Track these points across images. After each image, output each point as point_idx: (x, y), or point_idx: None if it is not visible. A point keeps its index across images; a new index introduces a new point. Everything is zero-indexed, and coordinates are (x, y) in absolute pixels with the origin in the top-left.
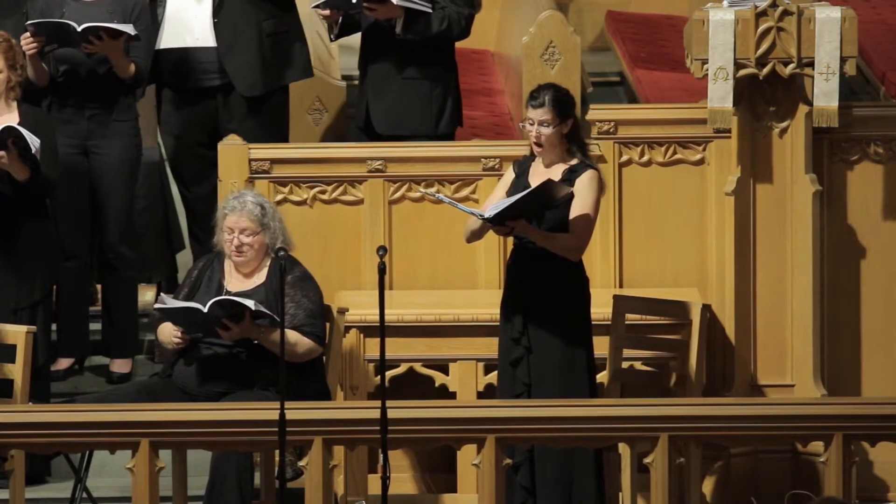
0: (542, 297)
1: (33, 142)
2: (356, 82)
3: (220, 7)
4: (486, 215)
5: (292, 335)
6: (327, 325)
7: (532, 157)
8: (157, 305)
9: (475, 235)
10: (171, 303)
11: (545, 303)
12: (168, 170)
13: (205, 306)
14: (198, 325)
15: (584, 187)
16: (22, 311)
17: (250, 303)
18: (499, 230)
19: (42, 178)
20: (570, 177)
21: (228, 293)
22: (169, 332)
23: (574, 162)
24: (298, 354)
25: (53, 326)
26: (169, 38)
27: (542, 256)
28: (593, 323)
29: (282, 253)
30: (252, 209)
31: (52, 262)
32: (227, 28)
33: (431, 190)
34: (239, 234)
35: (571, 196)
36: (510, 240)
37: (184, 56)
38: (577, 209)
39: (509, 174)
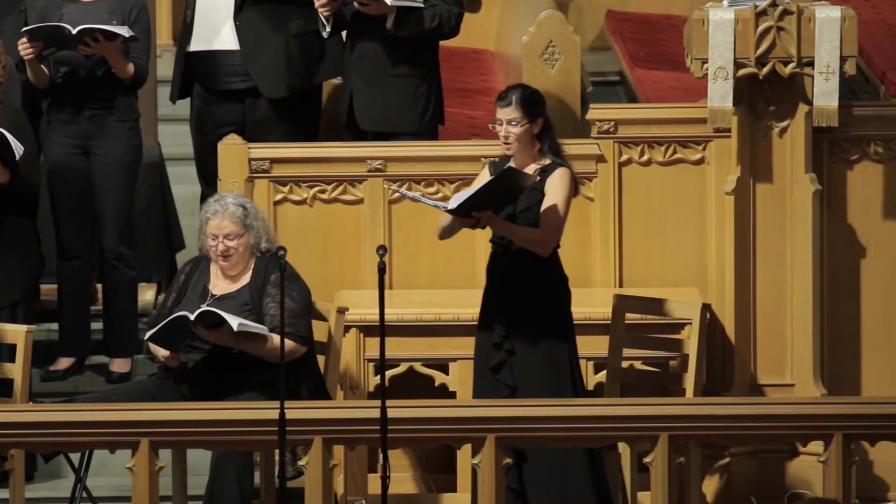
0: (521, 299)
1: (17, 148)
2: (341, 80)
3: (241, 9)
4: (449, 207)
5: (273, 338)
6: (327, 324)
7: (507, 158)
8: (147, 336)
9: (447, 231)
10: (153, 331)
11: (524, 304)
12: (168, 169)
13: (192, 314)
14: (187, 334)
15: (554, 184)
16: (1, 311)
17: (234, 323)
18: (465, 222)
19: (22, 181)
20: (542, 176)
21: (213, 297)
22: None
23: (546, 162)
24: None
25: (52, 325)
26: (197, 40)
27: (516, 256)
28: (594, 323)
29: (281, 252)
30: (234, 211)
31: (33, 263)
32: (250, 30)
33: (395, 186)
34: (223, 238)
35: (538, 188)
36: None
37: (211, 59)
38: (546, 204)
39: (484, 175)
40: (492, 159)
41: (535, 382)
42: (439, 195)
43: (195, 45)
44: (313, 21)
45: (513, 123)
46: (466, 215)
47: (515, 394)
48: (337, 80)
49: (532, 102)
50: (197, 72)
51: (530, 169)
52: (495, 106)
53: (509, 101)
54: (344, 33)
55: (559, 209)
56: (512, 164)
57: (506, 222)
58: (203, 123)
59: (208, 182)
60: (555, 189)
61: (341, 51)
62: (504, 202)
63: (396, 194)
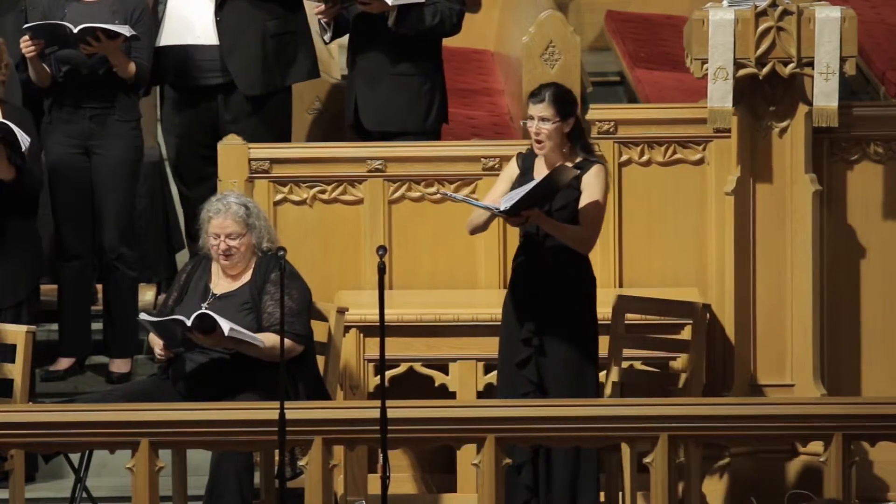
0: (554, 297)
1: (24, 139)
2: (346, 80)
3: (223, 6)
4: (502, 208)
5: (270, 338)
6: (327, 325)
7: (536, 153)
8: (141, 317)
9: (479, 228)
10: (151, 318)
11: (557, 302)
12: (168, 169)
13: (188, 318)
14: (179, 339)
15: (591, 181)
16: (6, 311)
17: (226, 327)
18: (513, 221)
19: (29, 178)
20: (577, 174)
21: (214, 296)
22: (156, 345)
23: (578, 159)
24: (277, 355)
25: (52, 326)
26: (169, 35)
27: (552, 252)
28: None
29: (281, 253)
30: (237, 210)
31: (36, 262)
32: (230, 27)
33: (443, 189)
34: (225, 237)
35: (575, 185)
36: (511, 238)
37: (184, 54)
38: (585, 202)
39: (513, 168)
40: (519, 151)
41: (561, 381)
42: (438, 195)
43: (167, 40)
44: (290, 23)
45: (545, 121)
46: (515, 214)
47: (539, 390)
48: (335, 80)
49: (565, 101)
50: (167, 67)
51: None
52: (527, 102)
53: (542, 97)
54: (326, 36)
55: (599, 205)
56: (542, 161)
57: (553, 220)
58: (175, 125)
59: (185, 183)
60: (592, 186)
61: (314, 56)
62: (546, 199)
63: (441, 194)
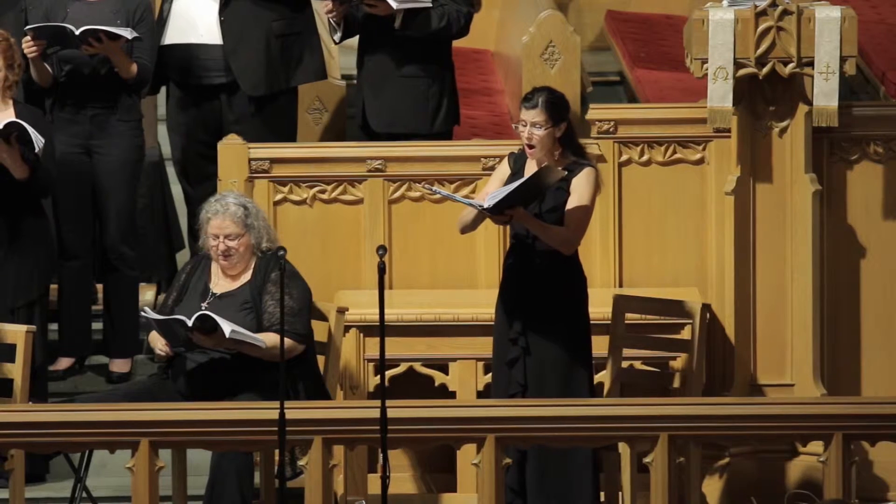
0: (542, 297)
1: (38, 140)
2: (356, 82)
3: (227, 5)
4: (486, 205)
5: (270, 338)
6: (327, 324)
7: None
8: (143, 315)
9: (469, 227)
10: (155, 315)
11: (544, 302)
12: (167, 169)
13: (189, 318)
14: (180, 338)
15: (580, 184)
16: (19, 310)
17: (227, 329)
18: (497, 219)
19: (42, 178)
20: (567, 176)
21: (214, 295)
22: (157, 342)
23: (569, 161)
24: (278, 355)
25: (53, 326)
26: (174, 33)
27: (540, 254)
28: (593, 323)
29: (281, 253)
30: (235, 211)
31: (49, 261)
32: (234, 27)
33: (426, 185)
34: (224, 238)
35: (564, 187)
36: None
37: (188, 52)
38: (573, 203)
39: (505, 168)
40: (511, 151)
41: (549, 382)
42: (437, 196)
43: (171, 39)
44: (296, 24)
45: (537, 126)
46: (500, 213)
47: (526, 392)
48: (336, 80)
49: (557, 107)
50: (171, 66)
51: None
52: (520, 107)
53: (535, 103)
54: (336, 36)
55: (585, 208)
56: (533, 162)
57: (536, 220)
58: (179, 124)
59: (190, 182)
60: (581, 188)
61: (321, 57)
62: (532, 199)
63: (424, 191)
